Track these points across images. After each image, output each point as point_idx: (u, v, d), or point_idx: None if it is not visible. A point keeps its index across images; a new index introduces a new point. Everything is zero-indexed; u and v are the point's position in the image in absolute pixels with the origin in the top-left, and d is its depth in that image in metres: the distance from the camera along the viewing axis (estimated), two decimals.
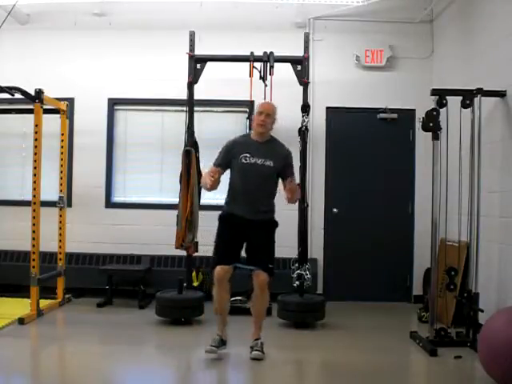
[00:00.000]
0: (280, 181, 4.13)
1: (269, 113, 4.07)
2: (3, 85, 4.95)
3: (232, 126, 6.54)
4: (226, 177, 4.20)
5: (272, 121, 4.10)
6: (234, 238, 4.07)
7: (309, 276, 5.31)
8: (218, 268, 4.00)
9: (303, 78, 5.56)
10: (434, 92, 4.66)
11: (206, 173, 4.13)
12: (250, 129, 4.31)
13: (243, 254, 4.13)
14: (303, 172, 5.46)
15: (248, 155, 4.03)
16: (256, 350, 4.01)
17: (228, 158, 4.11)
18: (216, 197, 6.39)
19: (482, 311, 4.35)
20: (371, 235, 6.31)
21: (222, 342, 4.09)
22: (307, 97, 5.60)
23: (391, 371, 3.95)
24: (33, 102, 5.16)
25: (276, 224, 4.18)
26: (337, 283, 6.31)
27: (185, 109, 5.61)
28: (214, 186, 4.00)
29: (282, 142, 4.22)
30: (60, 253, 5.83)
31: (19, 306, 5.23)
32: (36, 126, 5.18)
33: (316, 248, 6.28)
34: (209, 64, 5.57)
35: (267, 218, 4.11)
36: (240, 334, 4.61)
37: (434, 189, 4.60)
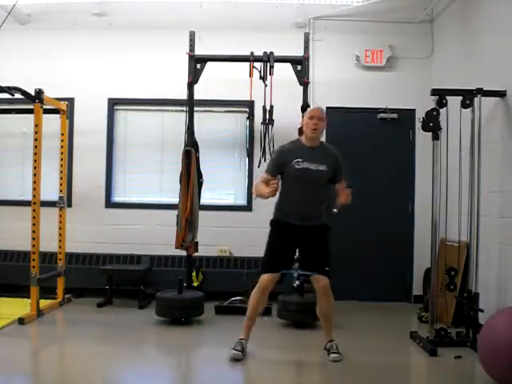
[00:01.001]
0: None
1: (320, 116, 4.03)
2: (3, 85, 4.94)
3: (232, 125, 6.55)
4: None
5: (323, 125, 4.07)
6: (286, 246, 4.05)
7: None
8: (266, 276, 4.01)
9: (303, 78, 5.56)
10: (434, 92, 4.66)
11: (259, 182, 4.08)
12: (299, 134, 4.28)
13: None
14: None
15: (301, 160, 3.99)
16: (333, 353, 4.04)
17: (280, 164, 4.05)
18: (216, 196, 6.47)
19: (482, 311, 4.35)
20: (371, 235, 6.31)
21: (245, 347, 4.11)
22: (307, 97, 5.61)
23: (391, 371, 3.95)
24: (33, 102, 5.16)
25: (329, 228, 4.17)
26: (337, 283, 6.27)
27: (185, 109, 5.61)
28: (274, 192, 3.92)
29: (330, 145, 4.23)
30: (60, 253, 5.83)
31: (19, 306, 5.23)
32: (36, 125, 5.18)
33: None
34: (209, 64, 5.57)
35: (320, 223, 4.09)
36: (240, 334, 4.62)
37: (434, 189, 4.60)
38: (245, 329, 4.16)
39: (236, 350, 4.02)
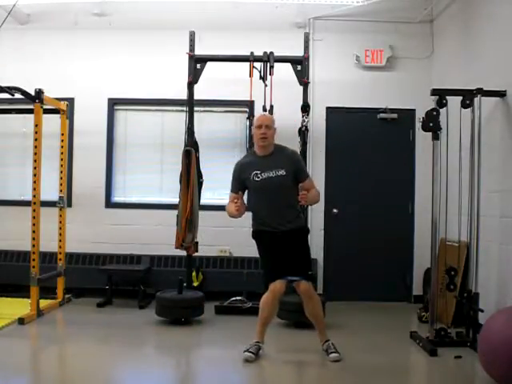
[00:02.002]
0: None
1: (268, 124, 4.04)
2: (3, 85, 4.94)
3: (232, 125, 6.55)
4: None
5: (272, 132, 4.07)
6: (275, 252, 4.06)
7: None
8: (272, 285, 4.03)
9: (303, 78, 5.56)
10: (434, 92, 4.66)
11: (228, 203, 4.13)
12: (250, 145, 4.31)
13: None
14: None
15: (259, 172, 4.01)
16: (332, 353, 4.05)
17: (241, 181, 4.11)
18: (216, 196, 6.46)
19: (482, 311, 4.35)
20: (371, 235, 6.31)
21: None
22: (307, 97, 5.61)
23: (391, 371, 3.95)
24: (33, 101, 5.16)
25: (307, 230, 4.22)
26: (337, 283, 6.31)
27: (185, 109, 5.61)
28: (240, 210, 3.97)
29: (284, 146, 4.18)
30: (60, 253, 5.83)
31: (19, 306, 5.23)
32: (36, 126, 5.18)
33: (316, 248, 6.26)
34: (209, 64, 5.57)
35: (296, 226, 4.09)
36: (240, 334, 4.63)
37: (434, 189, 4.60)
38: (259, 334, 4.17)
39: (249, 352, 4.03)
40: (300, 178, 4.06)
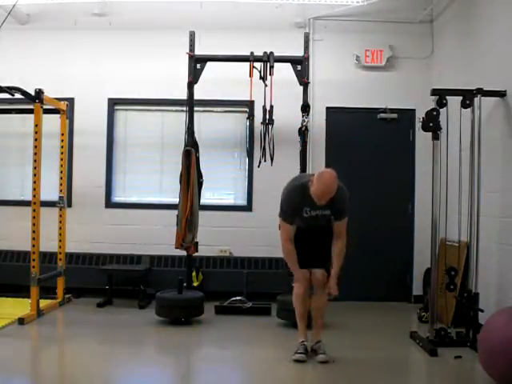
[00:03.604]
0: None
1: (331, 197, 3.89)
2: (3, 85, 4.94)
3: (232, 125, 6.55)
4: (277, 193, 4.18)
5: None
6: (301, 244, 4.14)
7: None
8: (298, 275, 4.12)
9: (303, 78, 5.56)
10: (434, 92, 4.66)
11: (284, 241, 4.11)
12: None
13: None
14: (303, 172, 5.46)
15: (308, 209, 4.02)
16: (321, 354, 4.06)
17: (295, 214, 4.06)
18: (216, 197, 6.47)
19: (482, 311, 4.35)
20: (371, 235, 6.30)
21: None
22: (307, 97, 5.61)
23: (391, 371, 3.95)
24: (33, 101, 5.16)
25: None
26: (337, 283, 6.28)
27: (185, 109, 5.61)
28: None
29: (338, 185, 3.94)
30: (60, 253, 5.83)
31: (19, 306, 5.23)
32: (36, 125, 5.17)
33: None
34: (209, 64, 5.57)
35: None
36: (240, 334, 4.63)
37: (434, 189, 4.60)
38: (300, 331, 4.20)
39: (299, 353, 4.05)
40: (336, 217, 4.12)
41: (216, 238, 6.23)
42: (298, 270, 4.10)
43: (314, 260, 4.16)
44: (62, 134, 5.86)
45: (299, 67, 5.55)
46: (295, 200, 4.02)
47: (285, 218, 4.07)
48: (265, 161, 5.47)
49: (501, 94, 4.57)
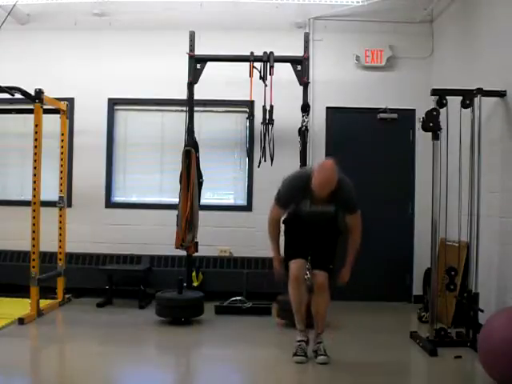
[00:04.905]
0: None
1: (331, 189, 3.82)
2: (3, 85, 4.94)
3: (232, 125, 6.55)
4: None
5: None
6: (302, 238, 4.14)
7: (308, 276, 5.31)
8: (292, 263, 4.08)
9: (303, 78, 5.56)
10: (434, 92, 4.65)
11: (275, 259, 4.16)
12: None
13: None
14: None
15: (309, 203, 3.96)
16: (321, 355, 4.03)
17: (290, 201, 4.03)
18: (216, 197, 6.47)
19: (482, 311, 4.35)
20: (371, 235, 6.25)
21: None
22: (307, 97, 5.61)
23: (391, 371, 3.95)
24: (33, 101, 5.16)
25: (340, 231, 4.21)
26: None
27: (185, 109, 5.61)
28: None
29: (340, 177, 3.86)
30: (60, 253, 5.83)
31: (19, 306, 5.23)
32: (36, 126, 5.17)
33: None
34: (209, 64, 5.57)
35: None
36: (240, 334, 4.63)
37: (434, 189, 4.59)
38: (297, 325, 4.17)
39: (298, 356, 4.02)
40: (346, 210, 4.11)
41: (216, 238, 6.23)
42: (278, 251, 4.11)
43: (315, 259, 4.13)
44: (62, 134, 5.86)
45: (299, 67, 5.55)
46: (295, 185, 3.98)
47: (278, 200, 4.02)
48: (265, 161, 5.48)
49: (501, 94, 4.57)
